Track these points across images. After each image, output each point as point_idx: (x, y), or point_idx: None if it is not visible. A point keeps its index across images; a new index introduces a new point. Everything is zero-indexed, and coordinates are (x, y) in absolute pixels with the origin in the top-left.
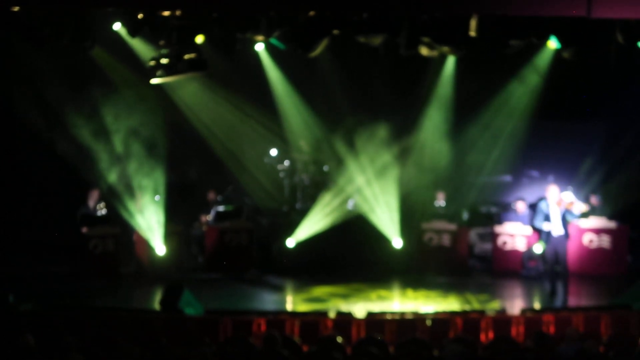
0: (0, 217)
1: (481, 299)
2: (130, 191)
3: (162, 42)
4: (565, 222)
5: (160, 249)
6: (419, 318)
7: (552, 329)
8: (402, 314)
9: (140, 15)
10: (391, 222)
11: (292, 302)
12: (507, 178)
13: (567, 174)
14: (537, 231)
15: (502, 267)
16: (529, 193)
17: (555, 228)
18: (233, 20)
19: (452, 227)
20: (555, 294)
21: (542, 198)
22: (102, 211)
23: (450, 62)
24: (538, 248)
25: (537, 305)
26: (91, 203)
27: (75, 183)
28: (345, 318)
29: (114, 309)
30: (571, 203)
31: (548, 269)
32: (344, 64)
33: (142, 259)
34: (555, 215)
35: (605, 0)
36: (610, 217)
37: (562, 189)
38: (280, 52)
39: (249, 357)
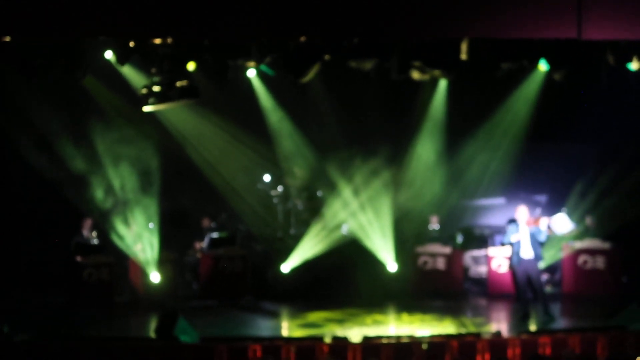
0: None
1: (477, 321)
2: (124, 219)
3: (153, 70)
4: (535, 244)
5: (154, 276)
6: (415, 342)
7: (548, 351)
8: (398, 338)
9: (131, 44)
10: (385, 246)
11: (287, 328)
12: (501, 200)
13: (560, 196)
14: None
15: (497, 290)
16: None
17: (524, 250)
18: (224, 47)
19: (446, 250)
20: (528, 317)
21: (512, 220)
22: (94, 240)
23: (442, 85)
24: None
25: (533, 328)
26: (85, 232)
27: (68, 212)
28: (341, 343)
29: (109, 338)
30: (537, 220)
31: (520, 292)
32: (335, 90)
33: (137, 287)
34: (525, 237)
35: (596, 21)
36: (605, 238)
37: (557, 210)
38: (272, 78)
39: None
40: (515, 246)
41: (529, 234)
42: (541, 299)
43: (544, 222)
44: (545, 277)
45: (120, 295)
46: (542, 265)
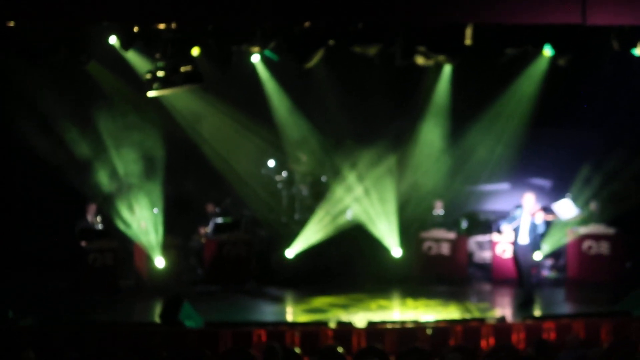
0: None
1: (481, 307)
2: (128, 204)
3: (157, 55)
4: (533, 233)
5: (159, 261)
6: (419, 327)
7: (552, 336)
8: (403, 323)
9: (135, 29)
10: (390, 232)
11: (292, 313)
12: (505, 185)
13: (565, 181)
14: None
15: (502, 275)
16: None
17: (521, 236)
18: (228, 32)
19: (451, 235)
20: (532, 302)
21: (519, 205)
22: (99, 225)
23: (447, 70)
24: (538, 255)
25: (537, 313)
26: (89, 217)
27: (73, 197)
28: (345, 328)
29: (114, 323)
30: (534, 214)
31: (523, 278)
32: (340, 75)
33: (141, 272)
34: (525, 224)
35: (601, 6)
36: (609, 223)
37: (561, 196)
38: (277, 63)
39: None
40: (517, 231)
41: (529, 221)
42: (524, 285)
43: (539, 216)
44: (549, 262)
45: (124, 280)
46: (539, 255)
